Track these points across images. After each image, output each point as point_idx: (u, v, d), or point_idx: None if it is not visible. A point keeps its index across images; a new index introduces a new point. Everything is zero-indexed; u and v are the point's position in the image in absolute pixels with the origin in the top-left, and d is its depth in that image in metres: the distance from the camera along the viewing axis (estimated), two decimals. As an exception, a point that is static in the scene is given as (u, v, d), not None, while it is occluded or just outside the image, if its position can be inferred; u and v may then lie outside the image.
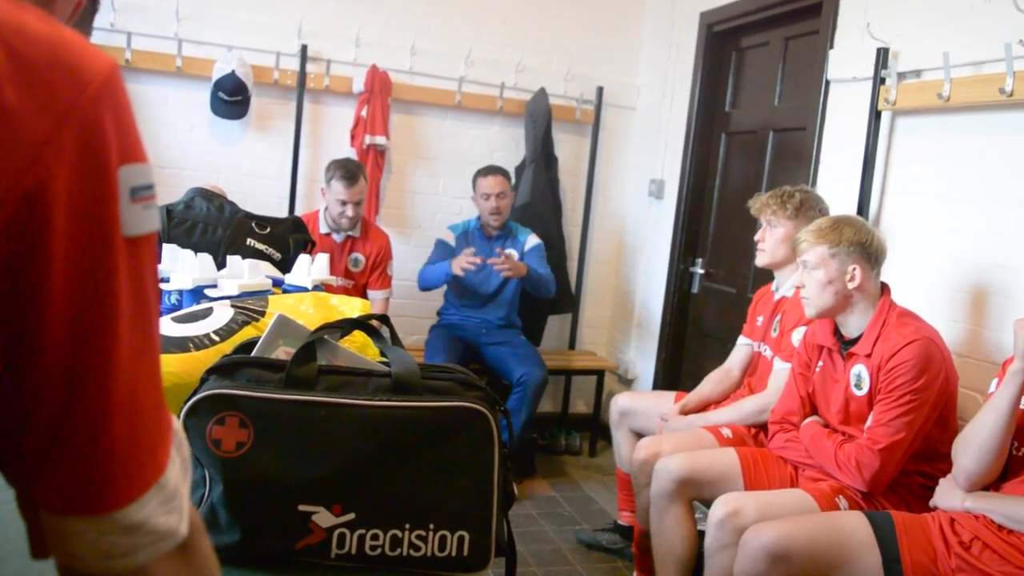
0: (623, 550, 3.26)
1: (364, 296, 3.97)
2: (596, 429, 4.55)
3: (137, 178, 0.52)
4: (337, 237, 3.88)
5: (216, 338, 1.45)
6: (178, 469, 0.57)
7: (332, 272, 3.78)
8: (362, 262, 3.92)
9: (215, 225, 2.38)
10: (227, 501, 1.13)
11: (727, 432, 2.76)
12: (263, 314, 1.52)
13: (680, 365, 4.36)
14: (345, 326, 1.31)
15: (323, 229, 3.88)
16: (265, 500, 1.14)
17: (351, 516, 1.14)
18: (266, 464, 1.13)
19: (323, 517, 1.14)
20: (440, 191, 4.52)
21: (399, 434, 1.16)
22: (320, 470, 1.14)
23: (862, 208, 2.93)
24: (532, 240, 4.18)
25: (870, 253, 2.33)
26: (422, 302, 4.38)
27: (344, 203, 3.74)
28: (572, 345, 4.80)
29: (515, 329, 4.21)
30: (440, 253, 4.10)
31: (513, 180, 4.48)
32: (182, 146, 4.10)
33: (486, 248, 4.08)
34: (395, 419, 1.16)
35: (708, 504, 2.40)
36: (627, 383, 4.69)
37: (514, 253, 4.09)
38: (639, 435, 3.13)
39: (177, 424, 0.60)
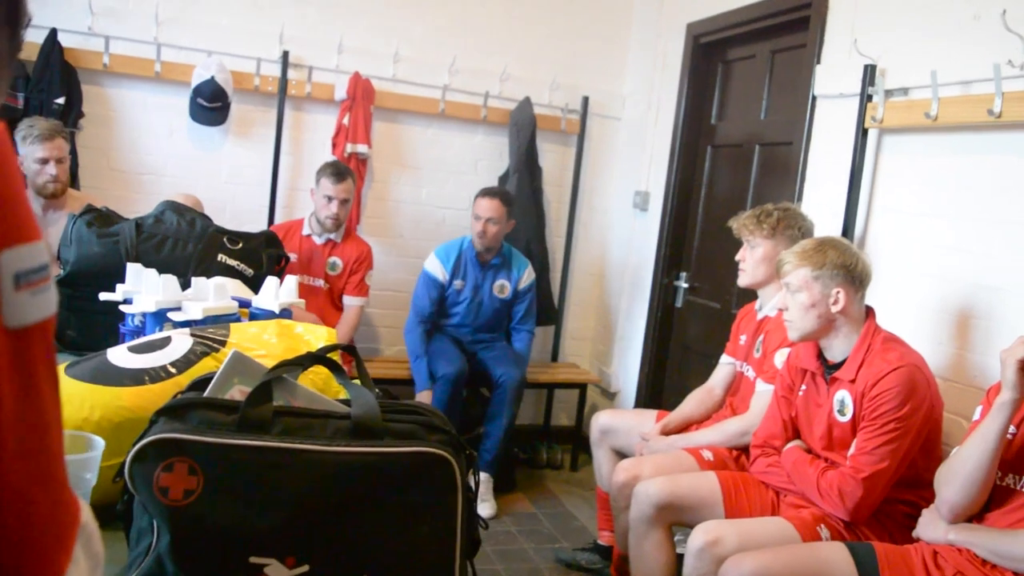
0: (603, 571, 3.21)
1: (341, 299, 3.93)
2: (578, 442, 4.50)
3: (24, 261, 0.46)
4: (318, 240, 3.86)
5: (173, 370, 1.39)
6: (83, 571, 0.51)
7: (312, 273, 3.83)
8: (340, 266, 3.90)
9: (185, 240, 2.32)
10: (174, 552, 1.07)
11: (708, 455, 2.71)
12: (223, 344, 1.46)
13: (663, 379, 4.31)
14: (306, 362, 1.26)
15: (305, 231, 3.89)
16: (214, 551, 1.08)
17: (305, 568, 1.09)
18: (216, 513, 1.07)
19: (276, 569, 1.08)
20: (423, 200, 4.46)
21: (357, 481, 1.11)
22: (273, 519, 1.08)
23: (848, 226, 2.89)
24: (527, 277, 4.10)
25: (855, 276, 2.29)
26: (406, 312, 4.33)
27: (330, 199, 3.75)
28: (555, 357, 4.75)
29: (499, 335, 4.17)
30: (429, 292, 3.96)
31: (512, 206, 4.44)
32: (161, 152, 4.03)
33: (479, 275, 4.00)
34: (353, 465, 1.11)
35: (689, 528, 2.35)
36: (610, 396, 4.64)
37: (507, 286, 4.04)
38: (620, 454, 3.09)
39: (86, 516, 0.54)
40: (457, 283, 3.98)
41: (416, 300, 4.01)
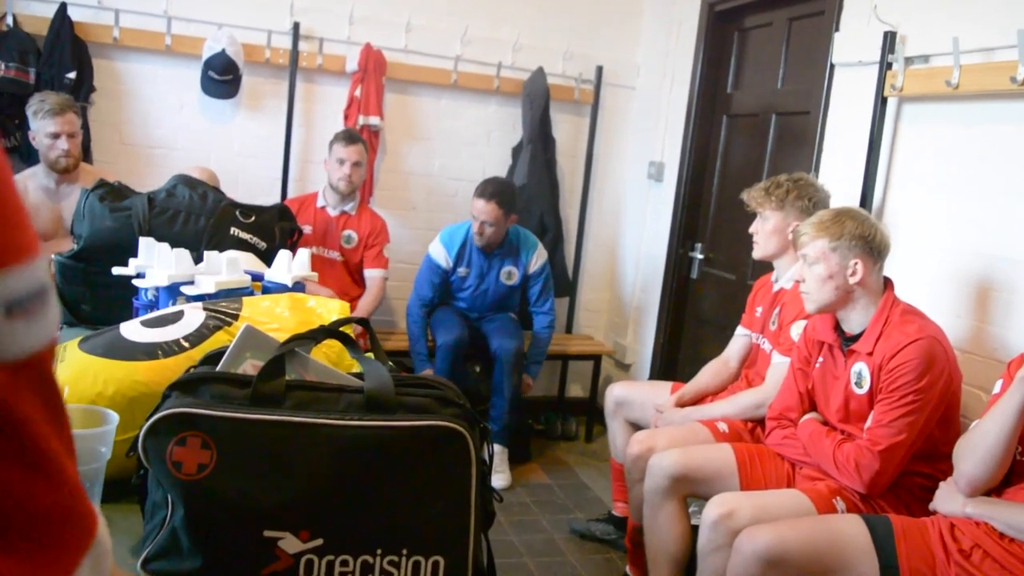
0: (617, 541, 3.22)
1: (358, 272, 3.94)
2: (592, 414, 4.50)
3: (17, 287, 0.41)
4: (332, 211, 3.87)
5: (186, 344, 1.39)
6: None
7: (327, 245, 3.83)
8: (355, 239, 3.91)
9: (198, 214, 2.31)
10: (189, 525, 1.07)
11: (723, 427, 2.70)
12: (236, 318, 1.46)
13: (678, 351, 4.30)
14: (318, 335, 1.25)
15: (319, 203, 3.91)
16: (228, 525, 1.08)
17: (319, 542, 1.09)
18: (229, 487, 1.07)
19: (290, 543, 1.08)
20: (436, 172, 4.44)
21: (371, 455, 1.10)
22: (287, 493, 1.08)
23: (866, 196, 2.86)
24: (537, 260, 3.98)
25: (873, 247, 2.26)
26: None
27: (342, 162, 3.78)
28: (569, 329, 4.74)
29: (506, 311, 4.15)
30: (431, 277, 3.92)
31: (511, 163, 4.41)
32: (172, 126, 4.02)
33: (484, 264, 3.94)
34: (367, 439, 1.10)
35: (704, 500, 2.35)
36: (624, 368, 4.63)
37: (515, 272, 3.97)
38: (635, 425, 3.08)
39: (101, 531, 0.50)
40: (461, 270, 3.93)
41: (417, 284, 3.97)
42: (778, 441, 2.47)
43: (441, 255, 3.91)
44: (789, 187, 2.72)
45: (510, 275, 3.96)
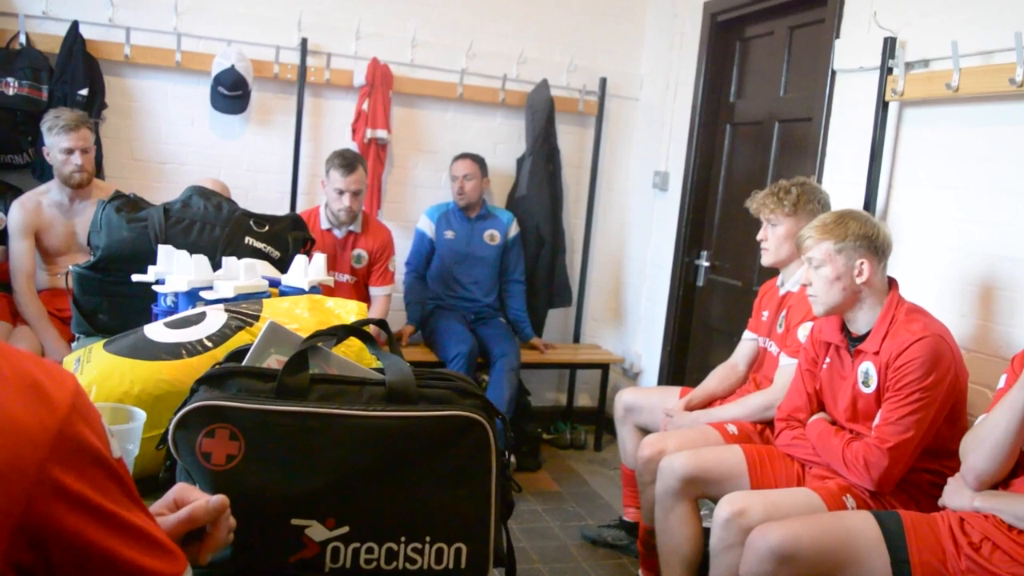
0: (629, 547, 3.24)
1: (367, 291, 3.96)
2: (601, 423, 4.53)
3: None
4: (338, 233, 3.84)
5: (209, 344, 1.42)
6: None
7: (336, 269, 3.80)
8: (365, 258, 3.89)
9: (213, 224, 2.34)
10: (218, 515, 1.10)
11: (732, 429, 2.73)
12: (257, 318, 1.49)
13: (685, 359, 4.32)
14: (339, 333, 1.28)
15: (324, 225, 3.83)
16: (257, 514, 1.11)
17: (345, 529, 1.12)
18: (257, 477, 1.10)
19: (316, 531, 1.11)
20: (442, 184, 4.48)
21: (394, 445, 1.13)
22: (313, 483, 1.11)
23: (869, 200, 2.89)
24: (515, 228, 4.35)
25: (877, 246, 2.29)
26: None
27: (341, 192, 3.70)
28: (577, 339, 4.77)
29: (496, 311, 4.32)
30: (419, 248, 4.27)
31: (504, 171, 4.50)
32: (182, 141, 4.07)
33: (467, 227, 4.24)
34: (389, 429, 1.13)
35: (714, 501, 2.37)
36: (632, 377, 4.65)
37: (496, 234, 4.26)
38: (644, 431, 3.10)
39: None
40: (448, 233, 4.22)
41: (409, 259, 4.31)
42: (787, 442, 2.49)
43: (426, 226, 4.27)
44: (798, 192, 2.75)
45: (492, 237, 4.28)
